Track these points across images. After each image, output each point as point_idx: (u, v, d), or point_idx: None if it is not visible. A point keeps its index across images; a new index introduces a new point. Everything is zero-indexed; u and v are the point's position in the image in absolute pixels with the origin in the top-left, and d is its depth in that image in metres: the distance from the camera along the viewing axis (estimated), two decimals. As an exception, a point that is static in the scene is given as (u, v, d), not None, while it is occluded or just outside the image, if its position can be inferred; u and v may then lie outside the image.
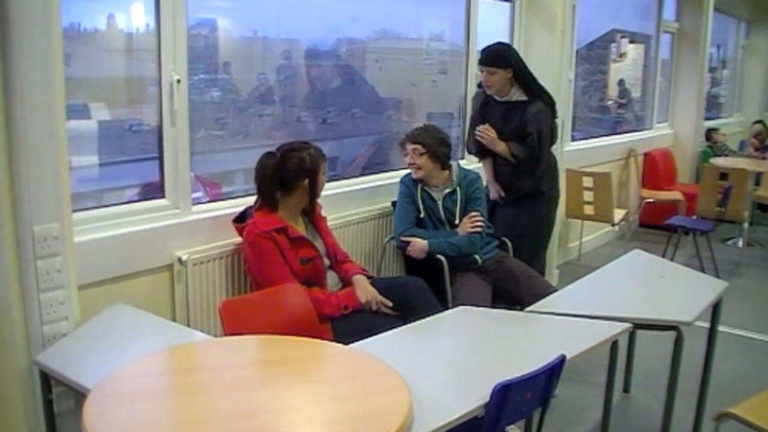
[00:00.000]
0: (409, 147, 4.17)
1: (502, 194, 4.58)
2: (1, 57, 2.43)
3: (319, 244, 3.56)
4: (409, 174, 4.28)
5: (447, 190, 4.21)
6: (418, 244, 4.07)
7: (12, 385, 2.63)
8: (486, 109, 4.55)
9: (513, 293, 4.05)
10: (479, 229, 4.13)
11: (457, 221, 4.17)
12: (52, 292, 2.64)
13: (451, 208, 4.20)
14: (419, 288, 3.65)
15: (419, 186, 4.21)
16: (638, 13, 8.41)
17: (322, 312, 3.32)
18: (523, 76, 4.41)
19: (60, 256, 2.65)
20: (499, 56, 4.38)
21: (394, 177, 4.68)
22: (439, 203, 4.20)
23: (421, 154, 4.13)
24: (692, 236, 6.43)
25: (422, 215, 4.19)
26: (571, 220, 6.60)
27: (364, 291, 3.51)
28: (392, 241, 4.34)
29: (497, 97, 4.47)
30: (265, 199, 3.46)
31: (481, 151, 4.62)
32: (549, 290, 3.72)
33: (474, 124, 4.61)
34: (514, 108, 4.44)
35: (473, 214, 4.15)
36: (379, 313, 3.46)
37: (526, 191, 4.52)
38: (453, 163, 4.28)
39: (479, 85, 4.59)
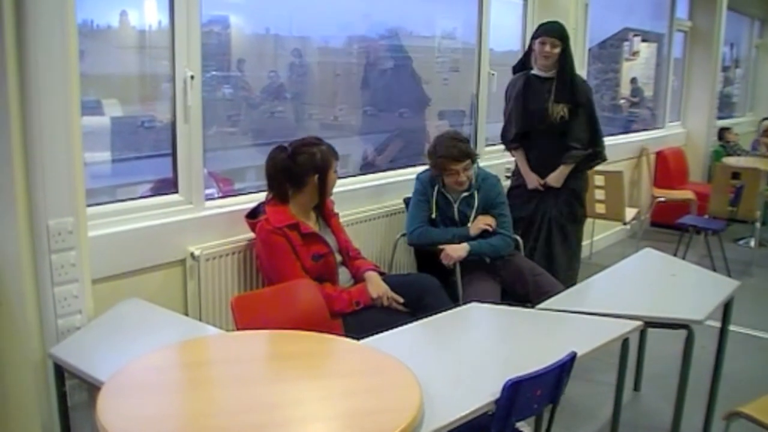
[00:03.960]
0: (458, 165, 3.98)
1: (542, 182, 4.59)
2: (17, 53, 2.45)
3: (331, 241, 3.57)
4: (426, 171, 4.20)
5: (464, 194, 4.13)
6: (458, 251, 3.99)
7: (26, 377, 2.65)
8: (529, 89, 4.53)
9: (520, 291, 4.05)
10: (490, 229, 4.09)
11: (470, 224, 4.12)
12: (66, 285, 2.66)
13: (466, 212, 4.14)
14: (431, 285, 3.65)
15: (436, 186, 4.14)
16: (651, 12, 8.39)
17: (334, 308, 3.33)
18: (570, 54, 4.49)
19: (74, 250, 2.67)
20: (564, 31, 4.44)
21: (406, 174, 4.70)
22: (455, 206, 4.14)
23: (470, 167, 4.04)
24: (704, 236, 6.41)
25: (434, 215, 4.14)
26: (582, 219, 6.58)
27: (376, 287, 3.51)
28: (403, 237, 4.35)
29: (542, 73, 4.49)
30: (275, 193, 3.47)
31: (518, 139, 4.61)
32: (556, 289, 3.71)
33: (519, 106, 4.56)
34: (559, 81, 4.48)
35: (486, 218, 4.10)
36: (390, 310, 3.46)
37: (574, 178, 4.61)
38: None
39: (517, 69, 4.59)
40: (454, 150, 3.98)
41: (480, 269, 4.10)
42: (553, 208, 4.61)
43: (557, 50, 4.39)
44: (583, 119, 4.53)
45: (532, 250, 4.57)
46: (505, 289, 4.10)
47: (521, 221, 4.56)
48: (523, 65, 4.65)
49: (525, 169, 4.64)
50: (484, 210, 4.14)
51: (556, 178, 4.55)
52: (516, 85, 4.61)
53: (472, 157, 4.02)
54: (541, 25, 4.56)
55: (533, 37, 4.52)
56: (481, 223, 4.10)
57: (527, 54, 4.62)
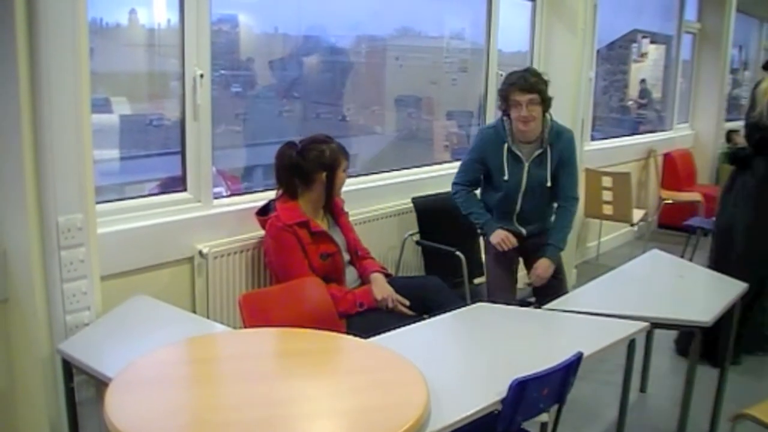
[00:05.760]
0: (523, 98, 3.74)
1: None
2: (28, 50, 2.46)
3: (339, 240, 3.57)
4: (491, 127, 3.99)
5: (537, 152, 3.88)
6: (546, 270, 3.89)
7: (34, 372, 2.67)
8: None
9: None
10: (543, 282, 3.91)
11: (549, 183, 3.89)
12: (75, 282, 2.67)
13: (538, 175, 3.89)
14: (437, 287, 3.64)
15: (506, 144, 3.88)
16: (660, 14, 8.38)
17: (338, 309, 3.33)
18: None
19: (83, 247, 2.68)
20: None
21: (414, 174, 4.70)
22: (525, 166, 3.88)
23: (538, 104, 3.77)
24: (711, 238, 6.38)
25: (506, 178, 3.89)
26: (589, 220, 6.59)
27: (381, 289, 3.51)
28: (411, 237, 4.35)
29: None
30: (284, 188, 3.49)
31: None
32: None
33: None
34: None
35: (548, 269, 3.90)
36: (395, 313, 3.44)
37: None
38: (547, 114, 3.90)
39: None
40: (522, 80, 3.79)
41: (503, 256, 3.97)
42: None
43: None
44: None
45: None
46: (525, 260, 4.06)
47: None
48: None
49: None
50: (555, 169, 3.92)
51: None
52: None
53: (541, 94, 3.78)
54: None
55: None
56: (541, 274, 3.90)
57: None
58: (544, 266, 3.91)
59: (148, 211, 3.28)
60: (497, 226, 3.97)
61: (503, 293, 3.91)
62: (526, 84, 3.76)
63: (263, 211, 3.50)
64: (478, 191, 4.15)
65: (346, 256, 3.60)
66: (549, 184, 3.91)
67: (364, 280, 3.63)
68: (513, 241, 3.93)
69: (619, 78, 8.24)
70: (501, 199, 3.98)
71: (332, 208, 3.63)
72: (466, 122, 5.61)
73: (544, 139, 3.88)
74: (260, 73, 4.66)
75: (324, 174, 3.47)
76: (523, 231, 4.02)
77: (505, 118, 3.93)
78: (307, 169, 3.46)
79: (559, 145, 3.92)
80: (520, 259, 4.15)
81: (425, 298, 3.52)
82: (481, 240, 4.14)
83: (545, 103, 3.83)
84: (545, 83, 3.84)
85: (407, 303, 3.50)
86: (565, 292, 3.73)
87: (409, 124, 5.57)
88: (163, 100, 3.72)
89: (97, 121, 3.27)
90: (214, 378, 2.24)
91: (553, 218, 4.08)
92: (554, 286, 3.92)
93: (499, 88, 3.92)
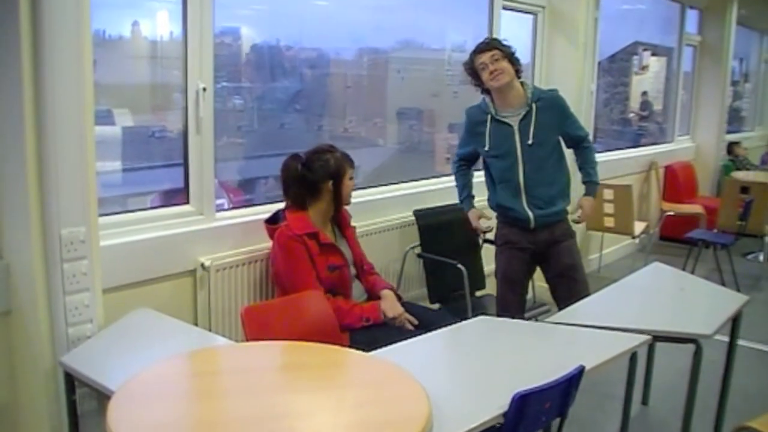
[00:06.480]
0: (485, 57, 3.78)
1: None
2: (32, 61, 2.48)
3: (347, 253, 3.58)
4: (475, 105, 4.00)
5: (522, 112, 3.84)
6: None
7: (37, 385, 2.67)
8: None
9: (549, 277, 4.01)
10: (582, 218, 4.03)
11: (530, 141, 3.79)
12: (78, 294, 2.68)
13: (527, 133, 3.82)
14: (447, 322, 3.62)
15: (489, 115, 3.88)
16: (661, 26, 8.40)
17: (343, 322, 3.33)
18: None
19: (86, 260, 2.69)
20: None
21: (416, 187, 4.70)
22: (515, 129, 3.82)
23: (501, 59, 3.78)
24: (713, 250, 6.39)
25: (487, 148, 3.89)
26: (591, 232, 6.59)
27: (392, 307, 3.51)
28: (413, 249, 4.36)
29: None
30: (292, 201, 3.49)
31: None
32: (577, 296, 3.57)
33: None
34: None
35: (589, 207, 4.04)
36: (400, 329, 3.41)
37: None
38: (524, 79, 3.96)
39: None
40: (480, 45, 3.88)
41: (514, 249, 3.96)
42: None
43: None
44: None
45: None
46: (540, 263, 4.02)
47: None
48: None
49: None
50: (563, 131, 3.93)
51: None
52: None
53: (501, 50, 3.80)
54: None
55: None
56: (588, 212, 4.04)
57: None
58: (588, 204, 4.05)
59: (150, 224, 3.29)
60: (473, 206, 4.13)
61: (510, 306, 3.92)
62: (485, 45, 3.86)
63: (272, 220, 3.51)
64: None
65: (353, 270, 3.60)
66: (530, 141, 3.80)
67: (372, 295, 3.63)
68: (486, 224, 4.12)
69: (621, 90, 8.25)
70: (503, 172, 3.90)
71: (340, 221, 3.64)
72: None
73: (528, 98, 3.85)
74: (262, 86, 4.67)
75: (330, 183, 3.48)
76: (531, 216, 3.84)
77: (485, 96, 3.96)
78: (313, 180, 3.46)
79: (546, 104, 3.87)
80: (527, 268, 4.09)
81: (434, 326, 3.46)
82: (482, 253, 4.13)
83: (510, 60, 3.82)
84: (506, 46, 3.87)
85: (416, 322, 3.50)
86: (587, 294, 3.67)
87: (411, 136, 5.57)
88: (165, 112, 3.73)
89: (100, 133, 3.28)
90: (215, 391, 2.23)
91: (565, 205, 4.01)
92: (571, 288, 3.86)
93: (466, 66, 3.94)
